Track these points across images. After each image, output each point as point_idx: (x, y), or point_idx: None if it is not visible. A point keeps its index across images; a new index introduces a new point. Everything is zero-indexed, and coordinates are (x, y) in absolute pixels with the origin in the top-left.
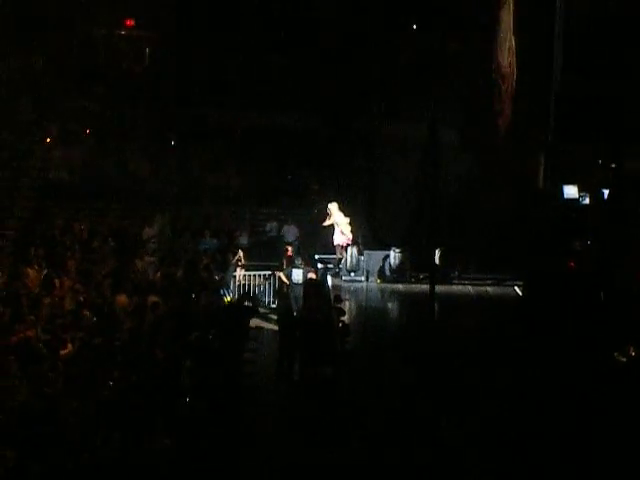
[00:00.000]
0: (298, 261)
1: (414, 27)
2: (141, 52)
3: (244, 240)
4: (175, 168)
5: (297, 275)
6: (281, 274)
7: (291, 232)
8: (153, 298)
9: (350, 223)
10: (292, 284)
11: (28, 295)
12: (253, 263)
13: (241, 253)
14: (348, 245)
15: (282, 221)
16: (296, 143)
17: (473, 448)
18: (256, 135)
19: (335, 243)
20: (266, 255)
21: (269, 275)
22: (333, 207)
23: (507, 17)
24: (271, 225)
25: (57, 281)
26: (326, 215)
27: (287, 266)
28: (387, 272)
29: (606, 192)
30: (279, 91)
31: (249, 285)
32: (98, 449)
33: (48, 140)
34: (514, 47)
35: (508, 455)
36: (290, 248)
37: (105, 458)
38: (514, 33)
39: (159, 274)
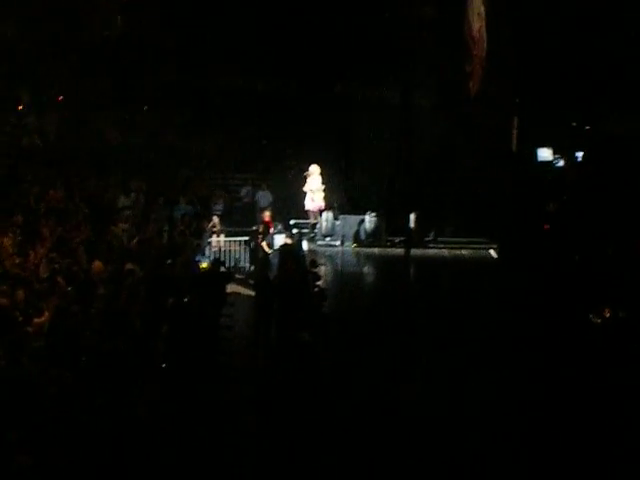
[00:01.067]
0: (278, 227)
1: None
2: (115, 17)
3: (219, 206)
4: (150, 134)
5: (279, 241)
6: (263, 243)
7: (265, 197)
8: (129, 265)
9: (325, 188)
10: (274, 250)
11: (2, 262)
12: (229, 229)
13: (216, 219)
14: (321, 210)
15: (258, 186)
16: (271, 108)
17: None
18: (231, 100)
19: (306, 208)
20: (241, 220)
21: (246, 241)
22: (314, 170)
23: None
24: (246, 190)
25: (32, 249)
26: (303, 179)
27: (264, 232)
28: (362, 236)
29: (580, 154)
30: (254, 55)
31: (226, 251)
32: (76, 416)
33: (21, 107)
34: (484, 13)
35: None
36: (268, 214)
37: (83, 424)
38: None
39: (135, 241)
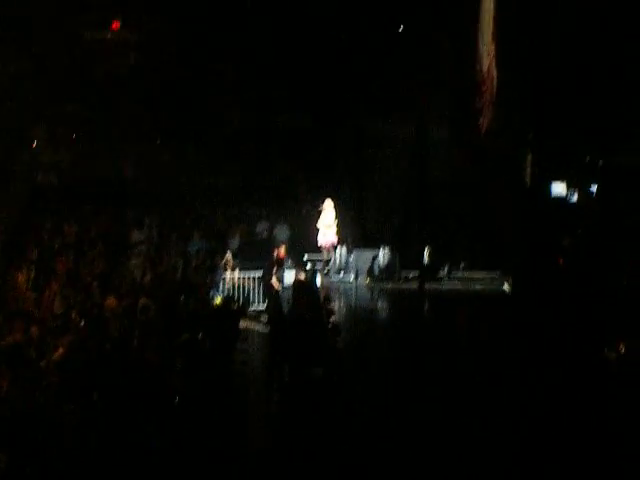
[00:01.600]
0: (289, 262)
1: (401, 27)
2: (127, 54)
3: (235, 241)
4: (163, 170)
5: (289, 277)
6: (273, 279)
7: (283, 232)
8: (143, 300)
9: (338, 222)
10: (283, 287)
11: (17, 299)
12: (244, 264)
13: (229, 255)
14: (334, 245)
15: (273, 221)
16: (285, 142)
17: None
18: (245, 135)
19: (322, 243)
20: (257, 256)
21: (259, 277)
22: (328, 204)
23: (484, 21)
24: (261, 226)
25: (46, 285)
26: (317, 214)
27: (277, 268)
28: (376, 271)
29: (594, 189)
30: (267, 90)
31: (239, 286)
32: (91, 452)
33: (35, 144)
34: (493, 50)
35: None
36: (283, 248)
37: (98, 460)
38: (494, 37)
39: (148, 276)
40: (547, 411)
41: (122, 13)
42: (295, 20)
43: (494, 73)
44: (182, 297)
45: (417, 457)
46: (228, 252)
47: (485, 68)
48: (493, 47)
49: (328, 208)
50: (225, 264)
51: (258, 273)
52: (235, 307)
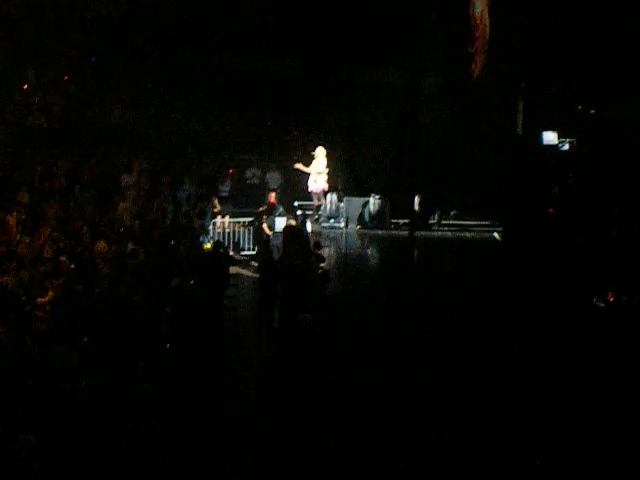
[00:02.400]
0: (280, 209)
1: None
2: None
3: (226, 187)
4: (155, 115)
5: (280, 223)
6: (264, 225)
7: (275, 179)
8: (131, 245)
9: (329, 170)
10: (274, 232)
11: (7, 242)
12: (234, 210)
13: (216, 201)
14: (325, 192)
15: (263, 168)
16: (276, 89)
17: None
18: (237, 81)
19: (313, 190)
20: (247, 202)
21: (249, 222)
22: (320, 152)
23: None
24: (251, 172)
25: (36, 228)
26: (309, 160)
27: (268, 214)
28: (367, 218)
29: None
30: (260, 37)
31: (230, 232)
32: (81, 394)
33: (26, 86)
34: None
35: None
36: (273, 195)
37: (88, 403)
38: None
39: (138, 221)
40: (535, 358)
41: None
42: None
43: (487, 20)
44: (172, 242)
45: (402, 402)
46: (215, 198)
47: (478, 14)
48: None
49: (320, 155)
50: (212, 209)
51: (248, 219)
52: (225, 252)
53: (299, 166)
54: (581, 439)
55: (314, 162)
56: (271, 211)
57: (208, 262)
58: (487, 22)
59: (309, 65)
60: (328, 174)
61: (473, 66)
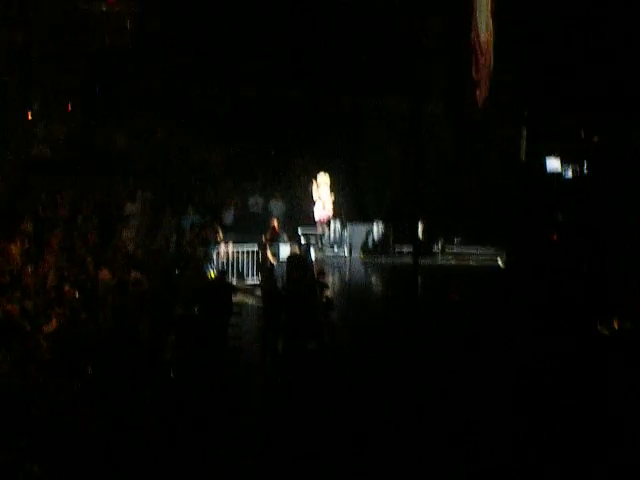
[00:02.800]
0: (284, 236)
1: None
2: (124, 27)
3: (229, 215)
4: (159, 144)
5: (284, 251)
6: (268, 252)
7: (277, 207)
8: (134, 274)
9: (333, 197)
10: (279, 261)
11: (11, 271)
12: (237, 238)
13: (219, 229)
14: (329, 220)
15: (266, 195)
16: (280, 118)
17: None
18: (240, 110)
19: (317, 217)
20: (250, 230)
21: (252, 251)
22: (322, 179)
23: None
24: (254, 200)
25: (40, 257)
26: (311, 188)
27: (271, 241)
28: (370, 246)
29: (589, 165)
30: (263, 64)
31: (233, 260)
32: (83, 426)
33: (31, 116)
34: (491, 25)
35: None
36: (276, 222)
37: (91, 435)
38: (492, 11)
39: (142, 250)
40: (539, 383)
41: None
42: None
43: (492, 47)
44: (176, 271)
45: (409, 429)
46: (217, 226)
47: (484, 41)
48: (491, 22)
49: (322, 182)
50: (215, 237)
51: (252, 247)
52: (228, 281)
53: (315, 190)
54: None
55: (317, 189)
56: (275, 239)
57: (212, 290)
58: (492, 50)
59: (312, 93)
60: (332, 201)
61: (478, 92)
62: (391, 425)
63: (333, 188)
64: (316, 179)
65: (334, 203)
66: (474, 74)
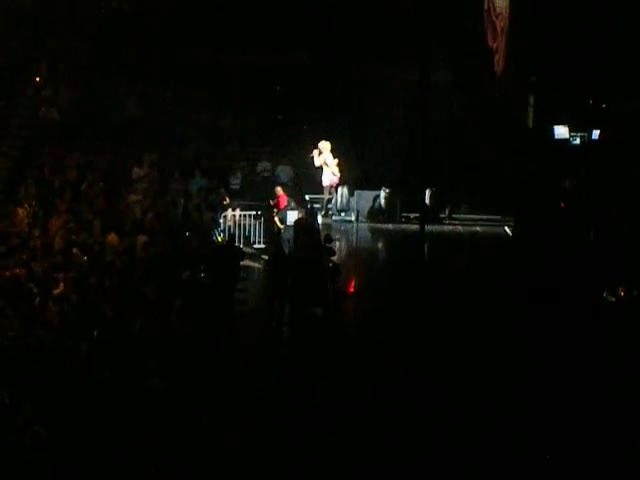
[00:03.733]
0: (292, 203)
1: None
2: None
3: (237, 180)
4: (166, 108)
5: (291, 217)
6: (275, 218)
7: (285, 172)
8: (143, 238)
9: (339, 163)
10: (285, 226)
11: (18, 234)
12: (244, 203)
13: (226, 194)
14: (338, 185)
15: (274, 161)
16: (287, 83)
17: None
18: (247, 75)
19: (324, 183)
20: (258, 195)
21: (258, 215)
22: (324, 146)
23: None
24: (262, 165)
25: (47, 220)
26: (317, 153)
27: (277, 208)
28: (377, 212)
29: (596, 132)
30: (270, 30)
31: (240, 225)
32: (91, 387)
33: (38, 79)
34: None
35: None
36: (281, 189)
37: (98, 396)
38: None
39: (149, 214)
40: (544, 350)
41: None
42: None
43: (508, 13)
44: (183, 235)
45: (413, 397)
46: (222, 190)
47: (501, 6)
48: None
49: (325, 149)
50: (221, 202)
51: (259, 212)
52: (236, 246)
53: (316, 156)
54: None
55: (322, 156)
56: (280, 205)
57: (220, 255)
58: (507, 13)
59: (319, 59)
60: (338, 167)
61: (497, 58)
62: (395, 392)
63: (340, 154)
64: (317, 146)
65: (341, 168)
66: (491, 41)
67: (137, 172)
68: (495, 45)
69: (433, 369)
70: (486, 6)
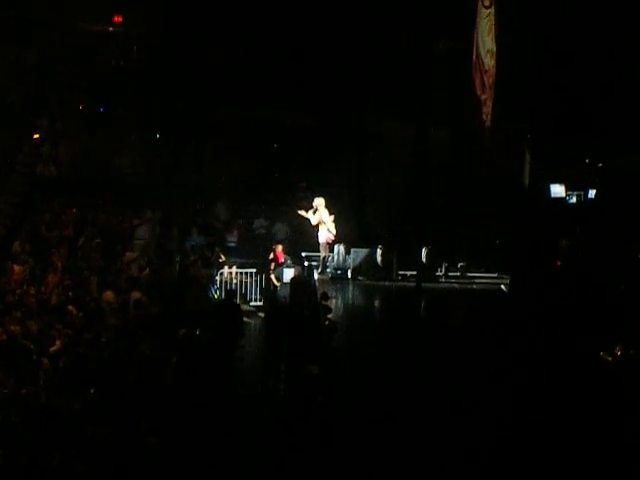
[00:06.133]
0: (288, 260)
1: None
2: (129, 49)
3: (233, 237)
4: (164, 165)
5: (288, 274)
6: (272, 276)
7: (282, 230)
8: (137, 295)
9: (336, 220)
10: (282, 283)
11: (14, 291)
12: (240, 260)
13: (219, 252)
14: (334, 242)
15: (271, 218)
16: (284, 140)
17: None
18: (245, 132)
19: (321, 241)
20: (254, 252)
21: (255, 273)
22: (319, 202)
23: (484, 21)
24: (259, 222)
25: (43, 276)
26: (313, 211)
27: (275, 265)
28: (374, 270)
29: (593, 192)
30: (267, 87)
31: (237, 282)
32: (85, 445)
33: (36, 135)
34: (494, 49)
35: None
36: (280, 247)
37: (92, 454)
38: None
39: (147, 270)
40: (541, 409)
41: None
42: (299, 18)
43: (494, 71)
44: (180, 292)
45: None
46: (217, 248)
47: (488, 61)
48: (494, 46)
49: (320, 205)
50: (217, 259)
51: (255, 270)
52: (237, 303)
53: (302, 212)
54: None
55: (317, 213)
56: (277, 262)
57: (219, 312)
58: (494, 69)
59: (318, 116)
60: (335, 222)
61: (485, 110)
62: (392, 451)
63: (337, 212)
64: (318, 200)
65: (336, 225)
66: (480, 93)
67: (134, 229)
68: (484, 98)
69: (429, 431)
70: (474, 60)
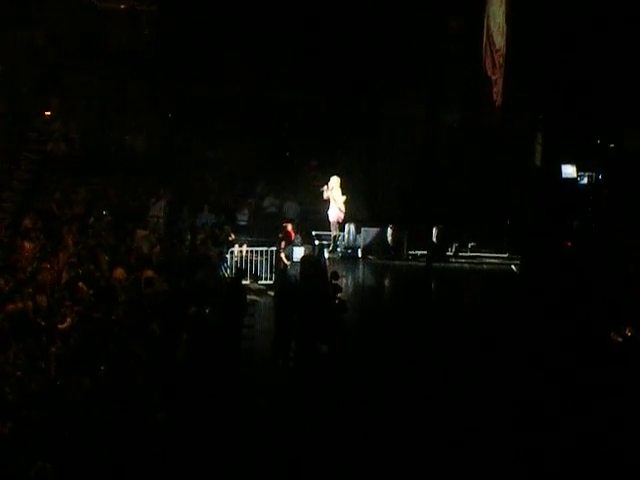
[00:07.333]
0: (298, 239)
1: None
2: (141, 26)
3: (244, 216)
4: (175, 144)
5: (298, 253)
6: (282, 255)
7: (292, 209)
8: (149, 272)
9: (347, 200)
10: (292, 262)
11: (25, 268)
12: (250, 239)
13: (230, 230)
14: (344, 221)
15: (282, 197)
16: (296, 119)
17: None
18: (257, 111)
19: (331, 219)
20: (265, 231)
21: (265, 251)
22: (334, 181)
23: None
24: (269, 201)
25: (54, 254)
26: (323, 191)
27: (285, 244)
28: (384, 249)
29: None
30: (281, 67)
31: (247, 261)
32: (96, 422)
33: (48, 113)
34: (504, 27)
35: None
36: (290, 225)
37: (102, 431)
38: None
39: (157, 248)
40: (550, 390)
41: None
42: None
43: (504, 49)
44: (190, 270)
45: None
46: (226, 227)
47: (499, 42)
48: (505, 26)
49: (335, 185)
50: (227, 238)
51: (266, 248)
52: (244, 282)
53: (326, 190)
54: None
55: (331, 192)
56: (287, 241)
57: (227, 291)
58: (504, 48)
59: (330, 95)
60: (345, 203)
61: (495, 91)
62: (400, 429)
63: (348, 191)
64: (328, 181)
65: (348, 205)
66: (490, 73)
67: (145, 206)
68: (494, 78)
69: (438, 412)
70: (485, 40)
